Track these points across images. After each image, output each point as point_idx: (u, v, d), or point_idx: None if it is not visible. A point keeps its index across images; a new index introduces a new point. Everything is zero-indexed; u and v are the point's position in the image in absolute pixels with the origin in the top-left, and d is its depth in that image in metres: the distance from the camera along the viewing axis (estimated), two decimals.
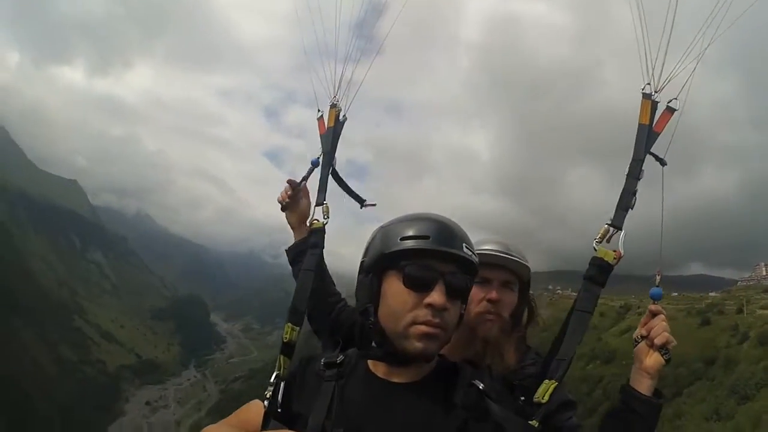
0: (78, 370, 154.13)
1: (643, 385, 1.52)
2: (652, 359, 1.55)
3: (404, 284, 1.35)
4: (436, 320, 1.32)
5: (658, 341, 1.56)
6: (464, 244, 1.38)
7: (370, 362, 1.46)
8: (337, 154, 2.02)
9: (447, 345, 1.45)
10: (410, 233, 1.38)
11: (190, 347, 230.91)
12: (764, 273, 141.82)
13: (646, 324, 1.63)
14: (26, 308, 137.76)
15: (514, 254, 2.01)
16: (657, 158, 1.47)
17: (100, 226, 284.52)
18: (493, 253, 1.99)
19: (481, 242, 2.03)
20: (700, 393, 46.90)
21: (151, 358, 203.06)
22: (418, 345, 1.32)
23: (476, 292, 1.93)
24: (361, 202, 2.14)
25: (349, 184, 2.16)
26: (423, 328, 1.32)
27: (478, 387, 1.33)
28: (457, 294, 1.37)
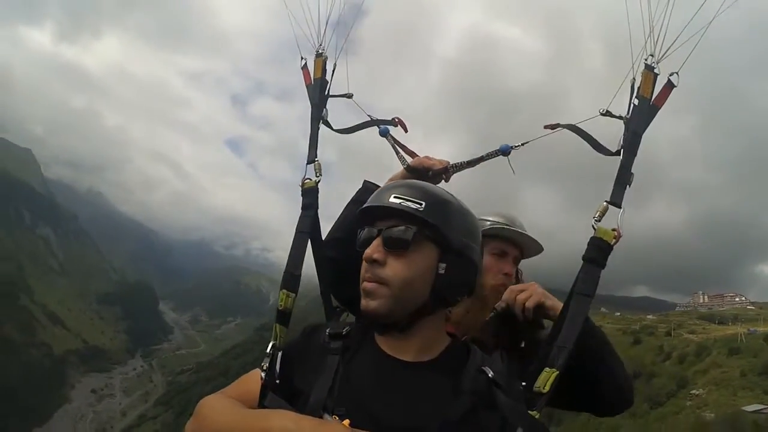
0: (23, 352, 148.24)
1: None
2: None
3: (357, 248, 1.38)
4: (368, 274, 1.31)
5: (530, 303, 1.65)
6: (393, 195, 1.33)
7: (377, 337, 1.40)
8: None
9: (457, 315, 1.45)
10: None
11: (136, 336, 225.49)
12: (701, 301, 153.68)
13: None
14: None
15: (529, 234, 2.03)
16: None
17: (51, 201, 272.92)
18: (515, 230, 1.98)
19: (491, 214, 2.04)
20: None
21: (97, 344, 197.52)
22: (363, 302, 1.32)
23: (492, 264, 1.93)
24: (385, 123, 1.99)
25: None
26: (363, 284, 1.32)
27: (487, 375, 1.29)
28: (393, 244, 1.31)
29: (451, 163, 1.85)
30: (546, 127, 1.67)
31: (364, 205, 1.40)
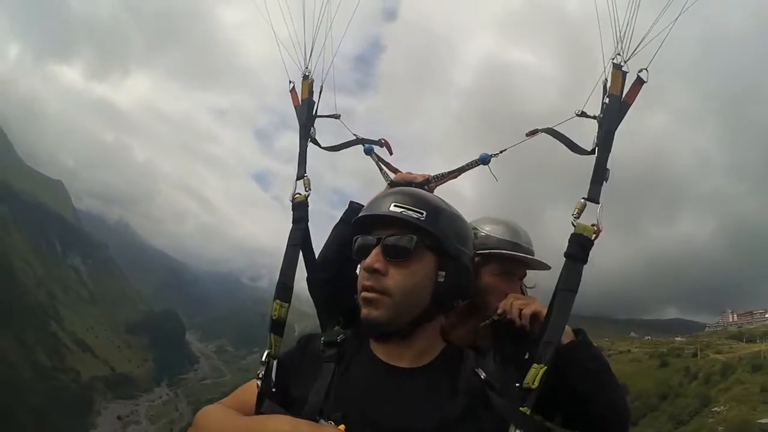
0: (53, 377, 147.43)
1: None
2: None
3: (354, 256, 1.39)
4: (368, 283, 1.31)
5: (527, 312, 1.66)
6: (393, 204, 1.34)
7: (372, 345, 1.42)
8: (324, 181, 2.25)
9: (454, 317, 1.45)
10: (359, 213, 1.44)
11: (163, 364, 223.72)
12: (731, 320, 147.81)
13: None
14: (3, 308, 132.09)
15: (535, 256, 1.99)
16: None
17: (81, 231, 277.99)
18: (523, 256, 1.94)
19: (491, 223, 2.01)
20: (650, 421, 57.68)
21: (124, 372, 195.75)
22: (364, 311, 1.32)
23: (498, 284, 1.91)
24: (370, 143, 2.03)
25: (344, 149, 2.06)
26: (362, 293, 1.33)
27: (480, 376, 1.30)
28: (394, 254, 1.32)
29: (432, 175, 1.89)
30: (527, 134, 1.72)
31: (362, 213, 1.39)
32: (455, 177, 1.89)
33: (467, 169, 1.86)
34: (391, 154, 2.02)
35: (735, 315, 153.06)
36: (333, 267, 1.78)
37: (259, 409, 1.37)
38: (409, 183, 1.86)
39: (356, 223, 1.42)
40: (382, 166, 1.99)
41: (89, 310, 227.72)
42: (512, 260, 1.93)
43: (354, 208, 1.94)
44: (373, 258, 1.32)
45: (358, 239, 1.39)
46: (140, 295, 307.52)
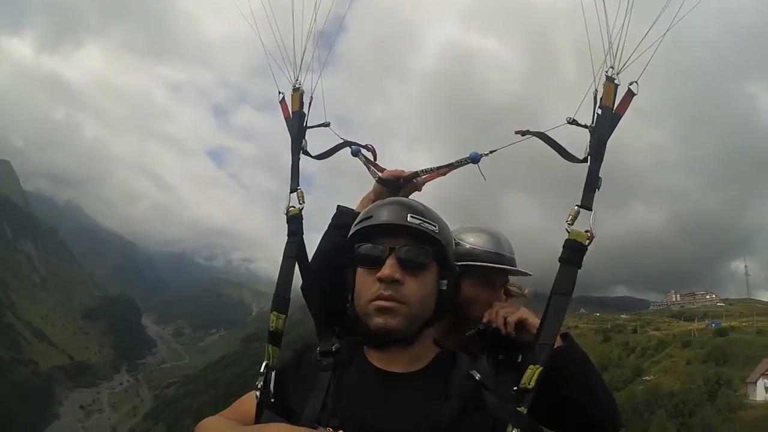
0: (12, 370, 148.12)
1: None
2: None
3: (358, 264, 1.42)
4: (388, 293, 1.33)
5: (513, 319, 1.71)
6: (410, 215, 1.39)
7: (366, 352, 1.45)
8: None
9: (440, 328, 1.50)
10: (360, 218, 1.46)
11: (121, 350, 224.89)
12: (674, 299, 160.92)
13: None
14: None
15: (515, 266, 1.99)
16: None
17: (31, 215, 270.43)
18: (506, 268, 1.96)
19: (473, 232, 2.02)
20: None
21: (83, 359, 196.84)
22: (378, 321, 1.34)
23: (480, 294, 1.92)
24: (358, 146, 2.04)
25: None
26: (378, 302, 1.34)
27: (475, 378, 1.34)
28: (413, 265, 1.37)
29: (419, 170, 1.94)
30: (517, 132, 1.72)
31: (376, 221, 1.41)
32: (444, 174, 1.93)
33: (456, 167, 1.88)
34: (375, 159, 2.04)
35: (678, 295, 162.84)
36: (328, 274, 1.75)
37: (258, 419, 1.41)
38: (398, 178, 1.93)
39: (364, 230, 1.43)
40: (370, 166, 2.03)
41: (43, 296, 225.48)
42: (494, 270, 1.94)
43: (342, 211, 1.97)
44: (392, 269, 1.34)
45: (365, 247, 1.41)
46: (93, 280, 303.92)
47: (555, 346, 1.46)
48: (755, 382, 51.55)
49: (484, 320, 1.80)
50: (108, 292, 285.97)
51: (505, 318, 1.73)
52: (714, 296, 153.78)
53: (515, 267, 2.00)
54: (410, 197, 1.85)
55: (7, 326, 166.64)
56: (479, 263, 1.92)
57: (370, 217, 1.43)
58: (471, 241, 1.98)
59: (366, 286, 1.38)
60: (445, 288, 1.44)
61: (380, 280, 1.35)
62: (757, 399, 50.05)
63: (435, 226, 1.41)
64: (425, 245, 1.39)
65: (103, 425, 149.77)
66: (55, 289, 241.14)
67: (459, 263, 1.70)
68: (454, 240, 1.70)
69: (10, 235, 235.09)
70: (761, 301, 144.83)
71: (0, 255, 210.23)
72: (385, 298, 1.34)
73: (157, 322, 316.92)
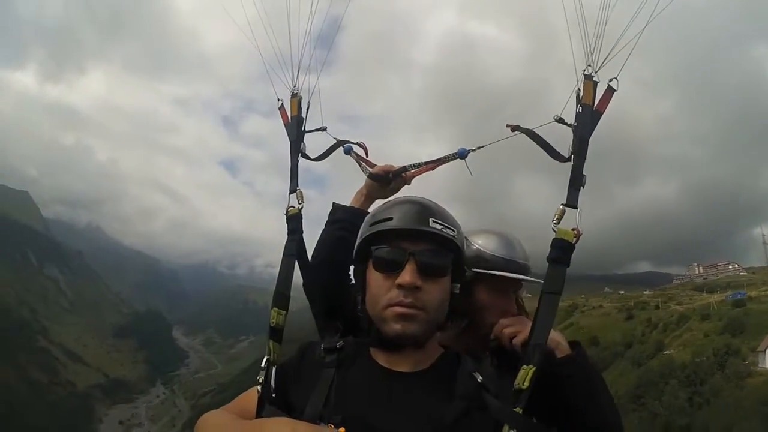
0: (49, 392, 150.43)
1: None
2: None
3: (375, 268, 1.38)
4: (408, 300, 1.31)
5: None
6: (431, 219, 1.36)
7: (372, 351, 1.43)
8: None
9: (449, 334, 1.51)
10: (378, 218, 1.41)
11: (154, 364, 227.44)
12: (697, 272, 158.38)
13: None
14: None
15: (529, 273, 1.91)
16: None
17: (54, 240, 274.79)
18: (520, 277, 1.88)
19: (484, 235, 1.96)
20: (616, 366, 67.92)
21: (118, 376, 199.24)
22: (396, 327, 1.32)
23: (493, 301, 1.89)
24: (350, 144, 2.12)
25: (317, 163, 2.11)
26: (397, 309, 1.32)
27: (476, 379, 1.33)
28: (433, 271, 1.35)
29: (408, 165, 1.97)
30: (508, 126, 1.70)
31: (398, 226, 1.37)
32: (432, 168, 1.94)
33: (445, 162, 1.89)
34: (366, 156, 2.10)
35: (701, 267, 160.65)
36: (328, 269, 1.80)
37: (260, 414, 1.40)
38: (387, 172, 1.96)
39: (382, 234, 1.39)
40: (361, 162, 2.08)
41: (73, 319, 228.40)
42: (508, 280, 1.88)
43: (337, 207, 1.98)
44: (413, 275, 1.32)
45: (383, 250, 1.37)
46: (120, 298, 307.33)
47: (563, 355, 1.48)
48: (765, 351, 52.41)
49: (491, 336, 1.78)
50: (136, 309, 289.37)
51: (511, 337, 1.70)
52: (737, 266, 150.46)
53: (529, 274, 1.92)
54: (400, 191, 1.94)
55: (41, 351, 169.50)
56: (492, 272, 1.87)
57: (390, 218, 1.39)
58: (480, 242, 1.92)
59: (382, 290, 1.35)
60: (457, 291, 1.43)
61: (400, 286, 1.32)
62: (767, 366, 51.20)
63: (454, 231, 1.39)
64: (444, 250, 1.37)
65: None
66: (85, 311, 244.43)
67: (472, 269, 1.70)
68: (465, 240, 1.67)
69: (36, 262, 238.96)
70: None
71: (28, 282, 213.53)
72: (405, 305, 1.32)
73: (187, 333, 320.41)
